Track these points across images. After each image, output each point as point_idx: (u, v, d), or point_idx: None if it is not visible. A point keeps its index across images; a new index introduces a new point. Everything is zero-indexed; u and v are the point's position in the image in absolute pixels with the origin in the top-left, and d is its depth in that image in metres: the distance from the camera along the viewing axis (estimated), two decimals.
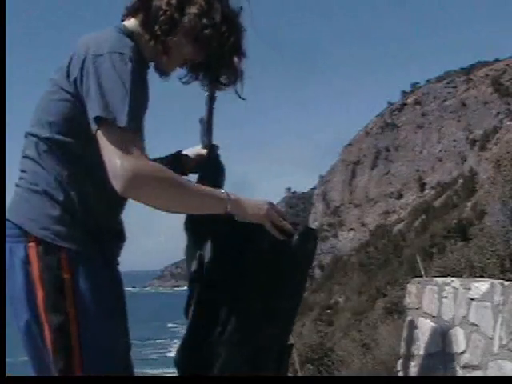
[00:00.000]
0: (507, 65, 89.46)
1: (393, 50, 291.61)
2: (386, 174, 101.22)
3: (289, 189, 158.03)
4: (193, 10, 1.63)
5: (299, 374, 8.82)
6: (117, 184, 1.47)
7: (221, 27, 1.66)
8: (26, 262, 1.56)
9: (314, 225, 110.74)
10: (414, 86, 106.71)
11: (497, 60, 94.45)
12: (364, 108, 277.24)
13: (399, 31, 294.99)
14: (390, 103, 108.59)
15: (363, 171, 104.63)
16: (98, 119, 1.50)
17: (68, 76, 1.60)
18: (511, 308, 2.59)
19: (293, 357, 9.90)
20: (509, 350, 2.58)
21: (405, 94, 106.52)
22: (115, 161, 1.46)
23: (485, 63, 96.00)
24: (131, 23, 1.72)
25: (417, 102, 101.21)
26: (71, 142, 1.61)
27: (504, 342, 2.62)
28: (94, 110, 1.51)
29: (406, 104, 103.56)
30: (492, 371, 2.70)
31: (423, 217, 68.33)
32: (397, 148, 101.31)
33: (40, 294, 1.55)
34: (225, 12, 1.68)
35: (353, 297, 51.02)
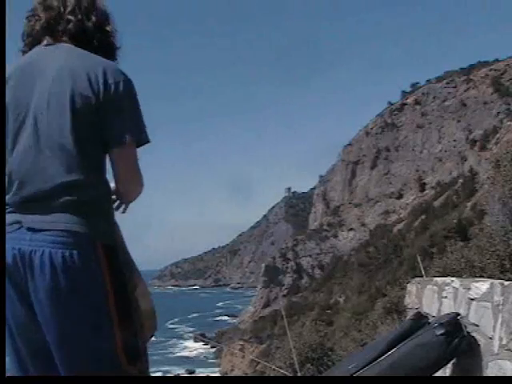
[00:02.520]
0: (507, 65, 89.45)
1: (393, 49, 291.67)
2: (386, 174, 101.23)
3: (289, 189, 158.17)
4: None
5: (299, 374, 8.81)
6: (136, 193, 1.85)
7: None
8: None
9: (314, 225, 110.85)
10: (414, 86, 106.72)
11: (497, 60, 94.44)
12: (364, 108, 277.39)
13: (399, 31, 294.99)
14: (390, 103, 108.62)
15: (363, 171, 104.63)
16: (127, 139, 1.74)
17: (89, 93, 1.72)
18: (511, 308, 2.59)
19: (293, 357, 9.89)
20: (509, 349, 2.58)
21: (405, 93, 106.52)
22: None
23: (485, 63, 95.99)
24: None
25: (417, 102, 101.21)
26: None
27: (504, 342, 2.62)
28: (130, 130, 1.74)
29: (405, 104, 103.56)
30: (492, 371, 2.70)
31: (423, 217, 68.31)
32: (397, 148, 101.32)
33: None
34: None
35: (353, 297, 51.03)
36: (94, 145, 1.73)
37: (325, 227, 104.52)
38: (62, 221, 1.66)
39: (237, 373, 47.39)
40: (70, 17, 1.81)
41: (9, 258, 1.66)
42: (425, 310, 3.65)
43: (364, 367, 3.01)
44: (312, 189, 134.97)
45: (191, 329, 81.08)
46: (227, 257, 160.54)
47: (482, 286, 2.90)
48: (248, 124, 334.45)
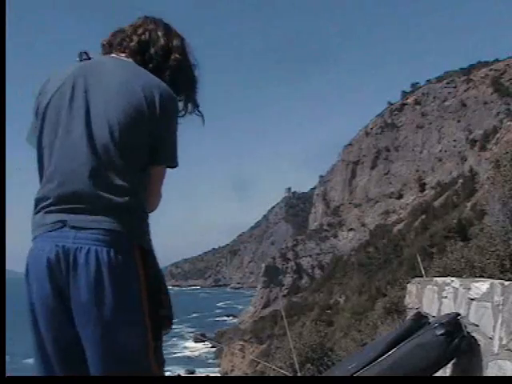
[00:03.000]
0: (507, 65, 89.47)
1: (393, 50, 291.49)
2: (386, 173, 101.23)
3: (289, 189, 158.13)
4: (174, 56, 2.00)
5: (299, 374, 8.81)
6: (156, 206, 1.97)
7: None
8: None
9: (314, 225, 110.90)
10: (414, 86, 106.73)
11: (497, 60, 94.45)
12: (364, 108, 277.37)
13: (400, 31, 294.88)
14: (390, 103, 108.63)
15: (363, 171, 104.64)
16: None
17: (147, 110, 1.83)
18: (511, 308, 2.59)
19: (293, 357, 9.89)
20: (509, 349, 2.58)
21: (405, 93, 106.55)
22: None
23: (485, 63, 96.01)
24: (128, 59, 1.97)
25: (417, 102, 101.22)
26: None
27: (504, 342, 2.62)
28: (172, 154, 1.90)
29: (406, 104, 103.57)
30: (492, 371, 2.70)
31: (423, 217, 68.32)
32: (397, 148, 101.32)
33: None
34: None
35: (353, 297, 51.04)
36: (140, 155, 1.82)
37: (325, 227, 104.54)
38: (104, 221, 1.74)
39: (237, 373, 47.40)
40: (154, 51, 1.99)
41: (51, 255, 1.71)
42: (425, 309, 3.65)
43: (364, 367, 3.00)
44: (312, 189, 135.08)
45: (191, 329, 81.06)
46: (227, 257, 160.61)
47: (482, 285, 2.89)
48: (248, 124, 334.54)
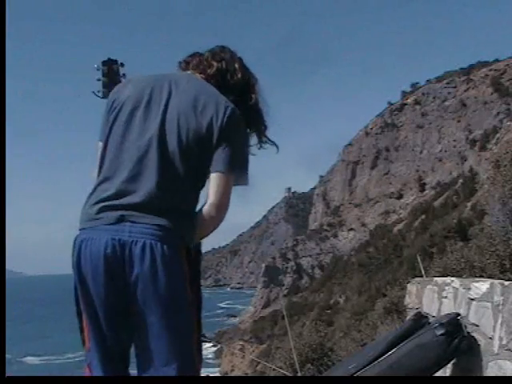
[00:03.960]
0: (507, 65, 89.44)
1: (393, 50, 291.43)
2: (386, 173, 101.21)
3: (289, 189, 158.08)
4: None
5: (299, 374, 8.81)
6: (222, 214, 2.00)
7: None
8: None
9: (314, 225, 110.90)
10: (414, 86, 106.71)
11: (497, 60, 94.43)
12: (364, 108, 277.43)
13: (399, 31, 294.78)
14: (390, 103, 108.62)
15: (363, 171, 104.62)
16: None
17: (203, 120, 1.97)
18: (511, 308, 2.59)
19: (293, 357, 9.90)
20: (509, 349, 2.58)
21: (405, 93, 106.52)
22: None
23: (485, 63, 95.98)
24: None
25: (417, 102, 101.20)
26: None
27: (504, 342, 2.62)
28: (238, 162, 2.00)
29: (406, 104, 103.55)
30: (492, 371, 2.70)
31: (423, 217, 68.30)
32: (397, 148, 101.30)
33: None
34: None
35: (353, 297, 51.01)
36: (200, 166, 1.96)
37: (325, 227, 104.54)
38: (158, 218, 1.87)
39: (237, 373, 47.39)
40: (233, 83, 2.15)
41: (108, 247, 1.83)
42: (425, 309, 3.65)
43: (364, 367, 3.00)
44: (312, 189, 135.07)
45: None
46: (227, 257, 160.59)
47: (482, 285, 2.90)
48: None
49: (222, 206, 1.97)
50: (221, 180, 1.95)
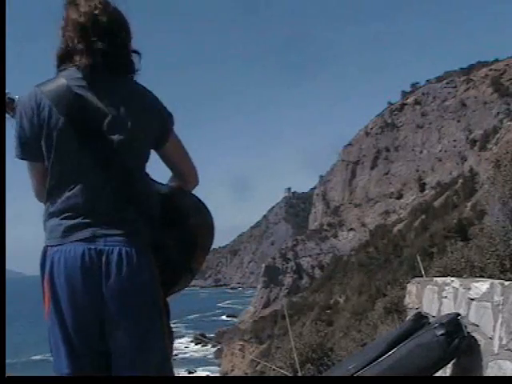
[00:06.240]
0: (507, 65, 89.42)
1: (393, 49, 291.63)
2: (386, 173, 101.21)
3: (289, 189, 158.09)
4: None
5: (299, 374, 8.81)
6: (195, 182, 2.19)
7: None
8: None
9: (314, 225, 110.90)
10: (414, 86, 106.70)
11: (497, 60, 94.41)
12: (364, 108, 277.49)
13: (399, 31, 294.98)
14: (390, 103, 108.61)
15: (363, 171, 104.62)
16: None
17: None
18: (511, 308, 2.59)
19: (293, 357, 9.89)
20: (509, 349, 2.58)
21: (405, 93, 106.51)
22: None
23: (485, 63, 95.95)
24: None
25: (417, 102, 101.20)
26: None
27: (504, 342, 2.62)
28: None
29: (406, 104, 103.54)
30: (492, 371, 2.70)
31: (423, 217, 68.32)
32: (397, 148, 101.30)
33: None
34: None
35: (353, 297, 51.01)
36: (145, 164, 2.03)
37: (325, 227, 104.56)
38: (127, 226, 1.92)
39: (237, 373, 47.39)
40: None
41: (85, 256, 1.85)
42: (425, 310, 3.65)
43: (364, 367, 3.01)
44: (312, 189, 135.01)
45: (191, 329, 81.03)
46: (227, 257, 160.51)
47: (482, 285, 2.90)
48: (248, 124, 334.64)
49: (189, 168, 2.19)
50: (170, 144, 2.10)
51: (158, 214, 2.01)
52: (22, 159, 1.96)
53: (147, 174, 2.04)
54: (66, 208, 1.90)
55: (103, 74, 1.91)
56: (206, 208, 2.18)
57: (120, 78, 1.95)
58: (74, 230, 1.89)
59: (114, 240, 1.88)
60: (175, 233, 2.06)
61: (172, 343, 2.03)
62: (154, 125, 1.98)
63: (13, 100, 2.08)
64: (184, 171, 2.14)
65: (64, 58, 1.94)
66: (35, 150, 1.91)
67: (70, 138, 1.87)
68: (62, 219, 1.91)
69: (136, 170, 1.96)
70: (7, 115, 2.08)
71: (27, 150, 1.93)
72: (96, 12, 1.90)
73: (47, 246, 1.92)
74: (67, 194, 1.90)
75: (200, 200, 2.18)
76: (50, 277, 1.87)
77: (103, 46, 1.89)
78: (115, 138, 1.89)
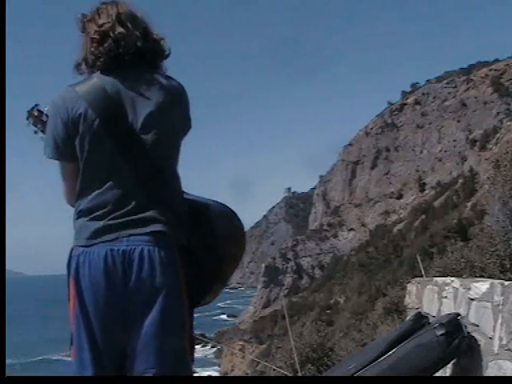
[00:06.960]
0: (507, 65, 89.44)
1: (393, 49, 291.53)
2: (386, 173, 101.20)
3: (289, 189, 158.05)
4: None
5: (299, 374, 8.81)
6: None
7: None
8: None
9: (314, 225, 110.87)
10: (414, 86, 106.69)
11: (497, 60, 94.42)
12: (364, 108, 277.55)
13: (399, 31, 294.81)
14: (390, 103, 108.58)
15: (363, 171, 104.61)
16: None
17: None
18: (511, 308, 2.59)
19: (293, 357, 9.88)
20: (509, 349, 2.58)
21: (405, 93, 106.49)
22: None
23: (485, 63, 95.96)
24: None
25: (417, 102, 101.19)
26: None
27: (504, 342, 2.62)
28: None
29: (406, 104, 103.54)
30: (492, 371, 2.70)
31: (423, 217, 68.32)
32: (397, 148, 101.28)
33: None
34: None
35: (353, 297, 51.03)
36: (175, 163, 2.08)
37: (325, 227, 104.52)
38: (152, 225, 1.92)
39: (237, 373, 47.37)
40: None
41: (108, 258, 1.87)
42: (425, 310, 3.65)
43: (364, 367, 3.01)
44: (312, 189, 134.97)
45: None
46: None
47: (482, 285, 2.90)
48: (248, 124, 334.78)
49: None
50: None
51: (187, 217, 2.01)
52: (56, 159, 1.99)
53: (178, 176, 2.04)
54: (94, 206, 1.93)
55: (133, 73, 1.95)
56: (236, 216, 2.16)
57: (151, 76, 1.98)
58: (100, 233, 1.91)
59: (138, 239, 1.90)
60: (205, 239, 2.04)
61: (193, 349, 1.99)
62: (182, 124, 2.02)
63: (42, 112, 2.07)
64: None
65: (90, 63, 1.98)
66: (69, 151, 1.94)
67: (104, 139, 1.90)
68: (89, 220, 1.93)
69: (167, 169, 1.98)
70: (33, 127, 2.08)
71: (61, 151, 1.96)
72: (118, 18, 1.96)
73: (74, 245, 1.95)
74: (97, 191, 1.93)
75: (229, 207, 2.16)
76: (75, 278, 1.90)
77: (129, 47, 1.93)
78: (148, 137, 1.92)
